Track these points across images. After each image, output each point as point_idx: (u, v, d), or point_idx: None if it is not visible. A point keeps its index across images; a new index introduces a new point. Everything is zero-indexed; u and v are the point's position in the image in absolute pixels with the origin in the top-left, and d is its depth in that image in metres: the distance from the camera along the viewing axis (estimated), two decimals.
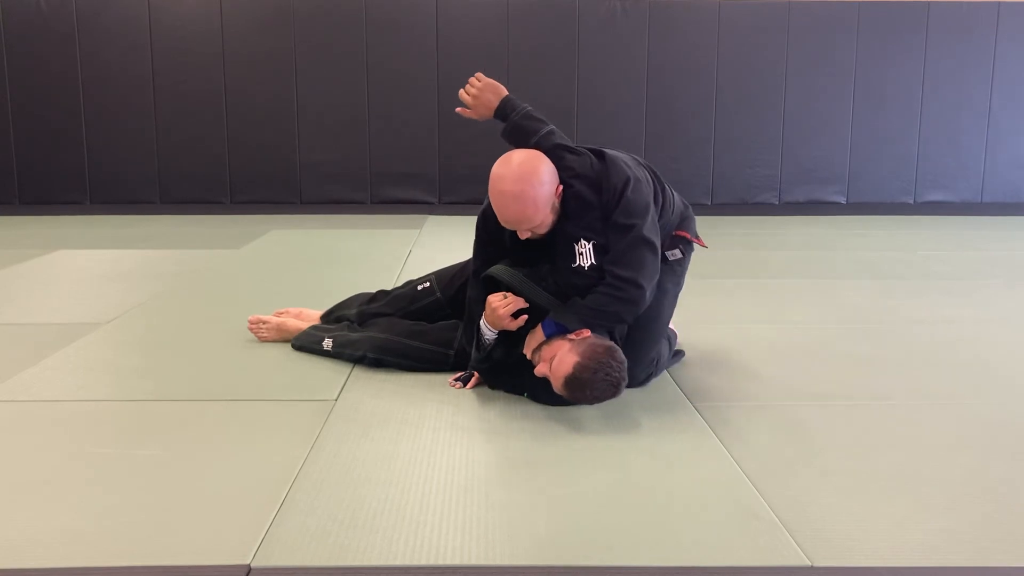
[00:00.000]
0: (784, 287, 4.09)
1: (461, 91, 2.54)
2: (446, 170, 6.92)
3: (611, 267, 2.25)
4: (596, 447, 2.08)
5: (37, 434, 2.15)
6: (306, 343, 2.86)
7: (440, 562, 1.54)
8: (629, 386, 2.30)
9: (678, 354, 2.77)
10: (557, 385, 2.19)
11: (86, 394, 2.46)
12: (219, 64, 6.71)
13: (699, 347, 2.93)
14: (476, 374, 2.52)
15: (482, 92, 2.50)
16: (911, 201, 7.11)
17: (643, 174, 2.37)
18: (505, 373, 2.44)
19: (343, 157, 6.87)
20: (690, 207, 2.67)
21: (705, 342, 3.00)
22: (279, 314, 3.05)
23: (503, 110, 2.49)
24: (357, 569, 1.52)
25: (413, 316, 2.78)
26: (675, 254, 2.54)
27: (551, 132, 2.42)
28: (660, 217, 2.41)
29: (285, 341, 2.96)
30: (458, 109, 2.56)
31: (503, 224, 2.29)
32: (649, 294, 2.29)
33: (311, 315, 3.05)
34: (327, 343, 2.78)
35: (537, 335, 2.31)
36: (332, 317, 2.98)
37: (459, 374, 2.56)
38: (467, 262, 2.73)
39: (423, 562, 1.54)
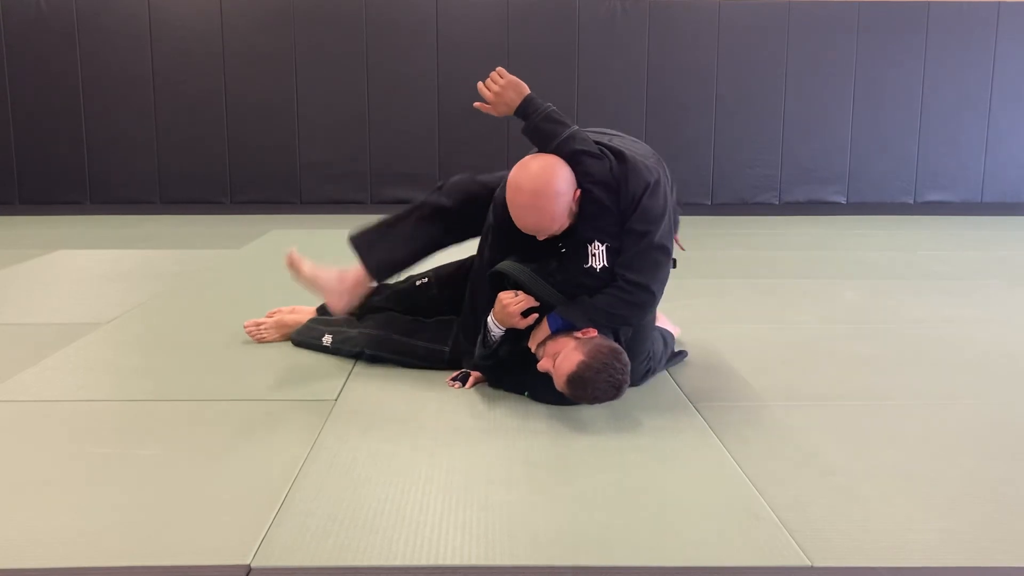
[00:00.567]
0: (784, 287, 4.09)
1: (480, 85, 2.42)
2: (446, 170, 6.91)
3: (623, 271, 2.25)
4: (596, 447, 2.08)
5: (37, 434, 2.15)
6: (306, 338, 2.88)
7: (440, 562, 1.54)
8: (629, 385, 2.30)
9: (680, 354, 2.77)
10: (560, 382, 2.20)
11: (86, 394, 2.46)
12: (219, 64, 6.71)
13: (699, 347, 2.93)
14: (474, 373, 2.53)
15: (504, 90, 2.39)
16: (911, 201, 7.10)
17: (661, 173, 2.35)
18: (507, 371, 2.44)
19: (343, 157, 6.86)
20: (679, 208, 2.66)
21: (705, 342, 3.00)
22: (271, 314, 3.05)
23: (524, 110, 2.38)
24: (357, 569, 1.52)
25: (411, 312, 2.79)
26: None
27: (571, 137, 2.32)
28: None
29: (285, 338, 2.97)
30: (476, 104, 2.46)
31: (521, 230, 2.29)
32: (658, 299, 2.30)
33: (305, 311, 3.05)
34: (327, 339, 2.80)
35: (543, 329, 2.31)
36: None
37: (457, 373, 2.56)
38: (466, 259, 2.74)
39: (423, 562, 1.54)
